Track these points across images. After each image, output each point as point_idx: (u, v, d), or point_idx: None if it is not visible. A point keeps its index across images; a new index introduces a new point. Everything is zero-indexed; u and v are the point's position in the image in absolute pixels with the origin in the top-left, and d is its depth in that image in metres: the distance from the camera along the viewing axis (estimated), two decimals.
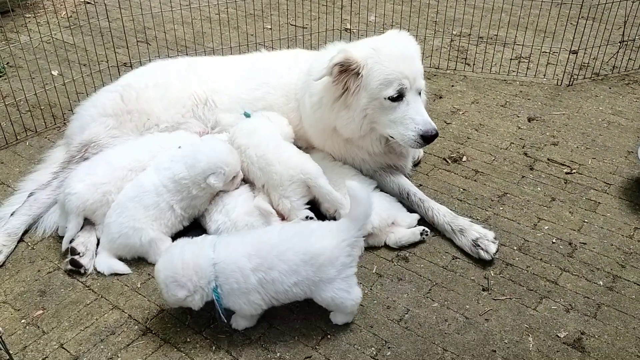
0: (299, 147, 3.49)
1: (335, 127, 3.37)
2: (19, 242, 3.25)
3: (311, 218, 3.12)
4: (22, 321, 2.79)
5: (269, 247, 2.60)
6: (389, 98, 3.15)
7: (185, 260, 2.58)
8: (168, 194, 3.13)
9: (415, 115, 3.18)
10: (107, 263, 3.07)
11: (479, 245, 3.12)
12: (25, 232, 3.29)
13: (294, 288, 2.59)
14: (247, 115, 3.60)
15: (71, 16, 6.21)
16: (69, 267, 3.04)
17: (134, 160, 3.29)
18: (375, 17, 6.17)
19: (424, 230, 3.21)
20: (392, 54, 3.17)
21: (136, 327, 2.75)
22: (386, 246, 3.22)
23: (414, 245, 3.23)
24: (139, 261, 3.13)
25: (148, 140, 3.47)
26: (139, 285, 2.99)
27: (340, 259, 2.58)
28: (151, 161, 3.30)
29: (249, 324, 2.74)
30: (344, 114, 3.27)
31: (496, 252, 3.12)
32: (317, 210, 3.27)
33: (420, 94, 3.27)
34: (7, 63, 5.15)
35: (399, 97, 3.17)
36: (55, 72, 5.06)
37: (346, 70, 3.16)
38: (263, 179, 3.26)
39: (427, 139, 3.17)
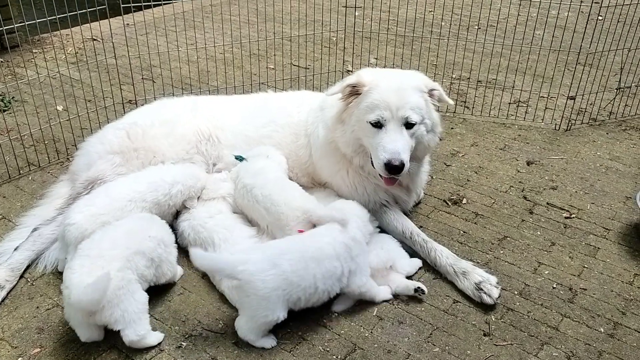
0: (303, 186, 3.55)
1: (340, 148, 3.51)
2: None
3: None
4: (19, 359, 2.76)
5: None
6: (369, 122, 3.28)
7: None
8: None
9: (388, 143, 3.22)
10: None
11: (481, 289, 3.12)
12: (27, 267, 3.28)
13: None
14: (240, 159, 3.65)
15: (78, 52, 6.32)
16: None
17: (133, 191, 3.32)
18: (377, 59, 6.29)
19: (419, 288, 3.14)
20: (389, 85, 3.31)
21: None
22: None
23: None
24: None
25: (148, 173, 3.52)
26: None
27: None
28: (151, 192, 3.34)
29: None
30: (339, 127, 3.45)
31: (498, 297, 3.11)
32: None
33: (409, 126, 3.29)
34: (13, 97, 5.21)
35: (377, 124, 3.27)
36: (60, 108, 5.12)
37: (357, 93, 3.37)
38: (268, 218, 3.29)
39: (389, 168, 3.17)
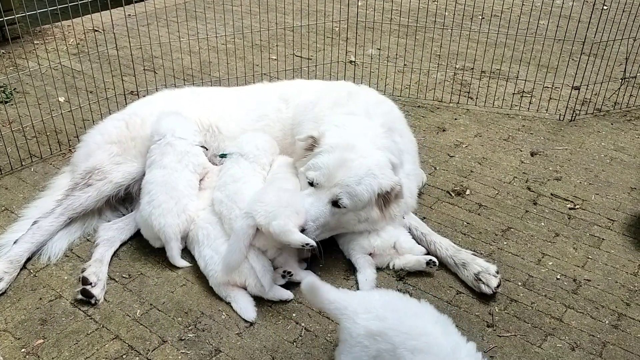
0: None
1: None
2: (21, 269, 3.22)
3: (289, 273, 3.07)
4: (22, 350, 2.76)
5: None
6: (307, 177, 3.25)
7: None
8: None
9: (306, 204, 3.20)
10: None
11: (480, 279, 3.10)
12: (28, 259, 3.28)
13: None
14: (222, 156, 3.62)
15: (79, 44, 6.29)
16: (80, 296, 3.02)
17: (159, 175, 3.37)
18: (379, 49, 6.25)
19: (431, 260, 3.18)
20: (343, 157, 3.19)
21: (137, 358, 2.72)
22: (390, 274, 3.22)
23: (417, 277, 3.22)
24: (140, 290, 3.12)
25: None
26: (139, 315, 2.96)
27: None
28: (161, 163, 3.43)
29: None
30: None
31: (498, 286, 3.09)
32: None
33: (336, 205, 3.15)
34: (15, 89, 5.20)
35: (311, 183, 3.25)
36: (62, 99, 5.10)
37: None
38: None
39: None
